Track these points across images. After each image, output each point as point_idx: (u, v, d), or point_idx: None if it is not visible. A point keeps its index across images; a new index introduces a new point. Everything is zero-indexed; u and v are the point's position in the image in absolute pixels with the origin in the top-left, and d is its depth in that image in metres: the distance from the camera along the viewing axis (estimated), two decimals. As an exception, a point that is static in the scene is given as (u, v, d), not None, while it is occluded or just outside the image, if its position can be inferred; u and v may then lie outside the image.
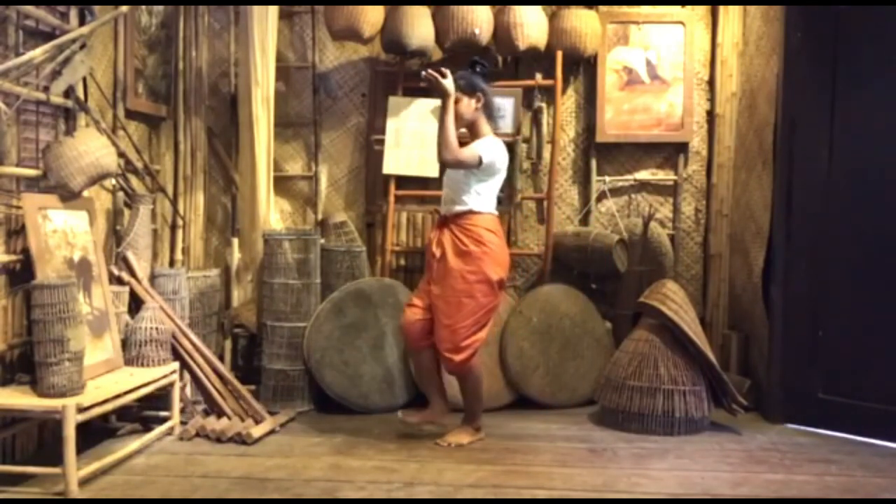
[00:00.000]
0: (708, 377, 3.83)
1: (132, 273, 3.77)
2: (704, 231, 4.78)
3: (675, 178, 4.76)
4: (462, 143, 3.47)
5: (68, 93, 3.46)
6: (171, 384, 3.56)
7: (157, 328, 3.56)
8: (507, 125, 4.61)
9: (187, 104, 4.55)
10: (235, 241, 4.62)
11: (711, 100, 4.74)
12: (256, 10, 4.20)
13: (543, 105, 4.70)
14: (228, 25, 4.74)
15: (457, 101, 3.45)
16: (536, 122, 4.71)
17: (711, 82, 4.74)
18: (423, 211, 4.75)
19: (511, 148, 4.63)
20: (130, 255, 3.79)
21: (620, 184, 4.79)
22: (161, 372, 3.48)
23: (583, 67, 4.77)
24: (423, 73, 3.44)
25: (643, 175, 4.78)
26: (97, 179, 3.41)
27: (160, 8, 4.35)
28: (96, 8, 3.55)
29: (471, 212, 3.47)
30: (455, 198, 3.49)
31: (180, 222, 4.51)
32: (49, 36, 3.30)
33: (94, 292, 3.41)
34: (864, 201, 3.70)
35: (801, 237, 3.87)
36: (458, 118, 3.45)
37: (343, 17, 4.32)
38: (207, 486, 2.99)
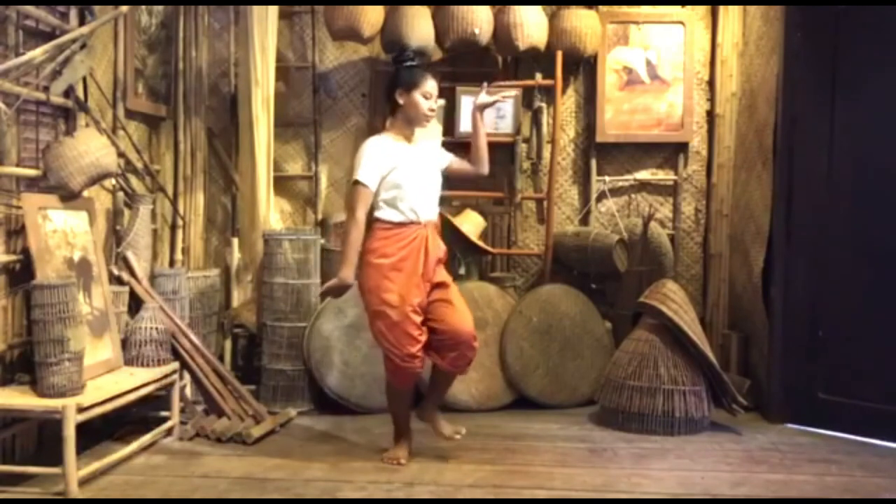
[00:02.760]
0: (708, 377, 3.82)
1: (132, 273, 3.77)
2: (704, 231, 4.78)
3: (675, 178, 4.76)
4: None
5: (68, 93, 3.46)
6: (171, 384, 3.56)
7: (156, 328, 3.56)
8: (507, 125, 4.62)
9: (187, 104, 4.55)
10: (235, 241, 4.62)
11: (711, 100, 4.74)
12: (256, 10, 4.20)
13: (543, 105, 4.69)
14: (228, 25, 4.74)
15: (425, 97, 3.26)
16: (536, 122, 4.71)
17: (711, 82, 4.74)
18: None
19: (511, 148, 4.66)
20: (130, 255, 3.79)
21: (620, 184, 4.79)
22: (161, 372, 3.48)
23: (583, 67, 4.77)
24: (501, 98, 3.46)
25: (643, 175, 4.78)
26: (97, 179, 3.41)
27: (160, 8, 4.35)
28: (96, 8, 3.55)
29: (440, 214, 3.42)
30: (434, 203, 3.33)
31: (180, 222, 4.50)
32: (49, 36, 3.30)
33: (94, 292, 3.41)
34: (864, 201, 3.70)
35: (801, 237, 3.87)
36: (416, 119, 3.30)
37: (343, 17, 4.32)
38: (207, 486, 2.99)
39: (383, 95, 3.36)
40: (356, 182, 3.18)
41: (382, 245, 3.18)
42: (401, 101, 3.25)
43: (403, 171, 3.21)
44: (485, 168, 3.44)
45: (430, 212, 3.28)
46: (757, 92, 4.34)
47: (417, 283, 3.18)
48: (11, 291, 3.11)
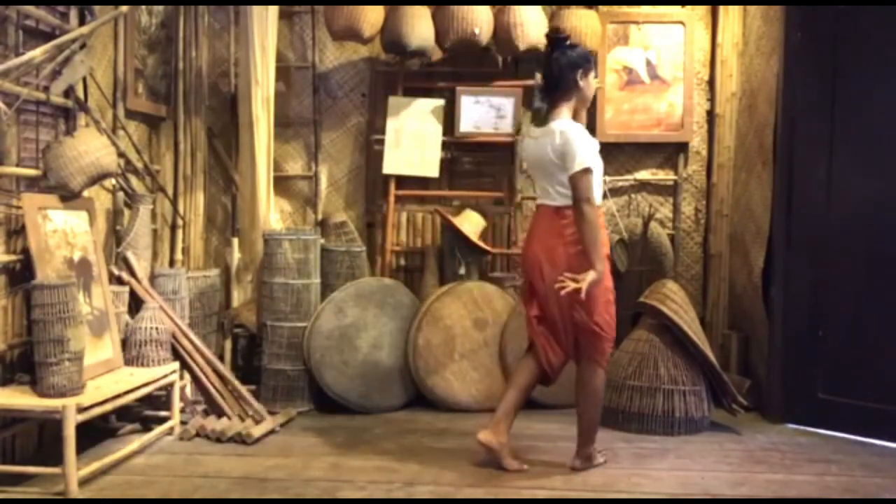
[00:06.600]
0: (708, 377, 3.82)
1: (132, 273, 3.77)
2: (704, 231, 4.78)
3: (675, 178, 4.76)
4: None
5: (68, 93, 3.46)
6: (171, 384, 3.56)
7: (157, 328, 3.56)
8: (507, 125, 4.62)
9: (187, 104, 4.55)
10: (235, 241, 4.62)
11: (711, 100, 4.74)
12: (256, 10, 4.20)
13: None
14: (228, 25, 4.74)
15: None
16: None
17: (711, 82, 4.74)
18: (423, 211, 4.75)
19: (511, 148, 4.66)
20: (130, 255, 3.79)
21: (620, 184, 4.79)
22: (161, 372, 3.48)
23: (583, 67, 4.77)
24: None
25: (643, 175, 4.78)
26: (97, 179, 3.41)
27: (160, 8, 4.35)
28: (96, 8, 3.55)
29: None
30: None
31: (180, 222, 4.51)
32: (49, 36, 3.30)
33: (94, 292, 3.41)
34: (864, 201, 3.70)
35: (801, 237, 3.87)
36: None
37: (343, 17, 4.32)
38: (207, 486, 2.99)
39: (556, 78, 3.19)
40: (586, 170, 3.06)
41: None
42: (581, 84, 3.17)
43: (597, 158, 3.18)
44: None
45: None
46: (757, 92, 4.34)
47: None
48: (11, 291, 3.11)
